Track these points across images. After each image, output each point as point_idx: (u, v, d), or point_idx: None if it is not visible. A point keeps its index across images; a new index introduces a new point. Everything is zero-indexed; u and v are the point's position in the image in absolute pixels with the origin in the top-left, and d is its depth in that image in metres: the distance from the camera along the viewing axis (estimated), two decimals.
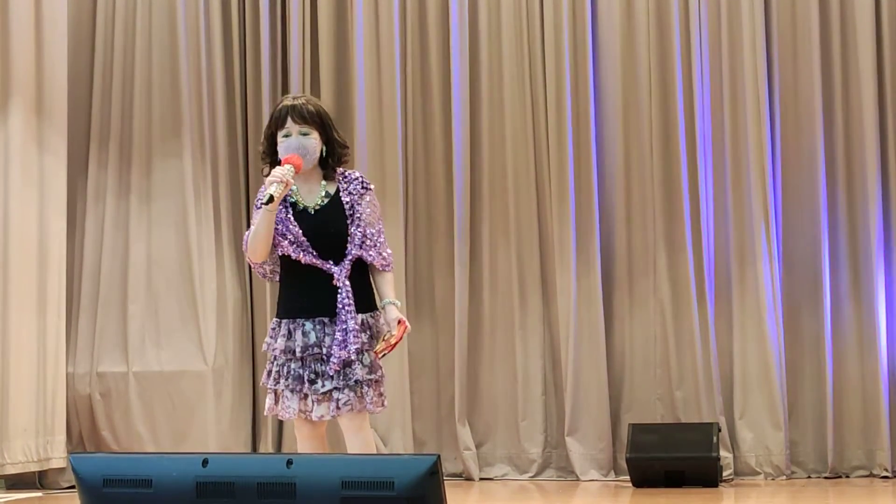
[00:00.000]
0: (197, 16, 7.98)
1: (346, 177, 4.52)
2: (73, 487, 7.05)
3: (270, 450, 7.76)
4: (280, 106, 4.49)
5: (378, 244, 4.50)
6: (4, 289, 7.15)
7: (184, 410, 7.74)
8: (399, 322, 4.42)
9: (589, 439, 7.62)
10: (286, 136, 4.43)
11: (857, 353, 7.49)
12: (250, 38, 8.06)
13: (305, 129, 4.43)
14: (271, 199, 4.27)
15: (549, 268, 7.79)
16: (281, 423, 7.88)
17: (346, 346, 4.34)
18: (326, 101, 7.91)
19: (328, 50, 8.02)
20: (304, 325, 4.39)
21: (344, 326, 4.35)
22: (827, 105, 7.59)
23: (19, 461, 7.21)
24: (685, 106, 7.67)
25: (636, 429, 7.36)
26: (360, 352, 4.38)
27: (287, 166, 4.33)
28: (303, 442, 4.50)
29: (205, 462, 3.10)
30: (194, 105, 7.94)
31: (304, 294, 4.41)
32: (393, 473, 3.01)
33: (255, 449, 7.92)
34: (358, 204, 4.48)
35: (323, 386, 4.34)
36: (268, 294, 7.87)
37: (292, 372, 4.39)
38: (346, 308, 4.37)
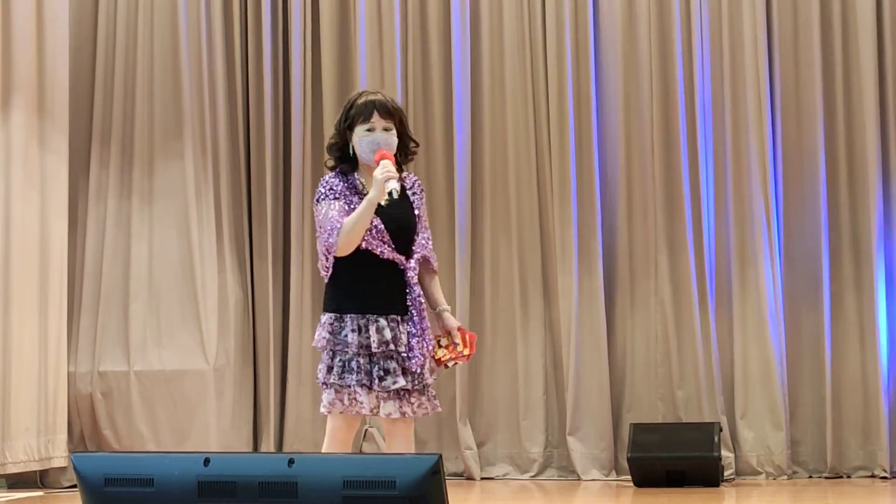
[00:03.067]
0: (198, 15, 7.98)
1: (406, 177, 4.53)
2: (74, 487, 7.05)
3: (272, 449, 7.76)
4: (363, 100, 4.44)
5: (432, 247, 4.56)
6: (6, 288, 7.15)
7: (185, 409, 7.74)
8: (460, 329, 4.48)
9: (590, 439, 7.62)
10: (370, 130, 4.39)
11: (857, 353, 7.50)
12: (252, 38, 8.06)
13: (388, 124, 4.40)
14: (397, 193, 4.27)
15: (551, 267, 7.79)
16: (282, 422, 7.88)
17: (426, 346, 4.35)
18: (328, 102, 7.92)
19: (330, 50, 8.02)
20: (378, 321, 4.32)
21: (422, 325, 4.37)
22: (828, 104, 7.59)
23: (21, 460, 7.21)
24: (686, 105, 7.67)
25: (637, 428, 7.36)
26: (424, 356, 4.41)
27: (389, 162, 4.32)
28: (334, 444, 4.38)
29: (206, 461, 3.10)
30: (196, 105, 7.94)
31: (377, 290, 4.34)
32: (395, 473, 3.01)
33: (256, 448, 7.92)
34: (421, 205, 4.53)
35: (395, 383, 4.29)
36: (269, 294, 7.88)
37: (362, 367, 4.30)
38: (422, 304, 4.40)
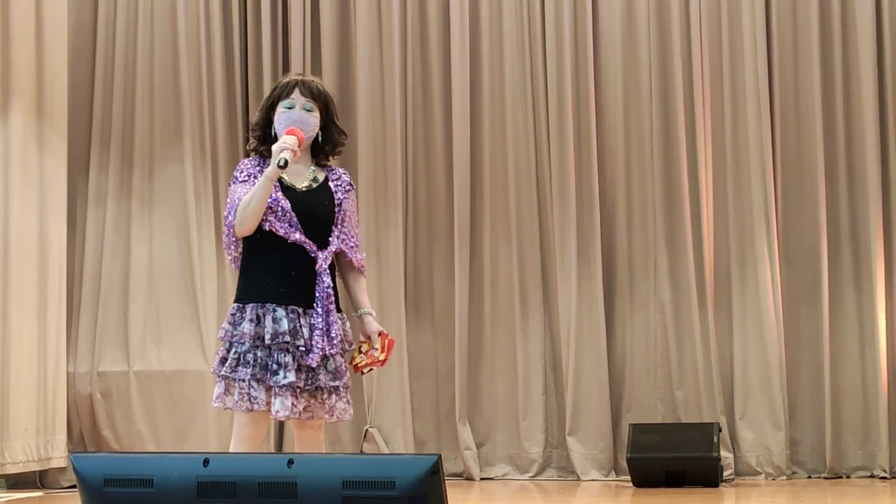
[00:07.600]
0: (197, 18, 7.98)
1: (334, 171, 4.33)
2: (73, 487, 7.06)
3: (271, 449, 7.76)
4: (288, 79, 4.30)
5: (357, 246, 4.29)
6: (5, 289, 7.15)
7: (185, 410, 7.74)
8: (381, 334, 4.21)
9: (590, 439, 7.63)
10: (289, 107, 4.22)
11: (856, 353, 7.51)
12: (251, 40, 8.07)
13: (310, 104, 4.23)
14: (286, 163, 4.03)
15: (550, 269, 7.79)
16: (282, 422, 7.88)
17: (330, 339, 4.10)
18: None
19: (329, 53, 8.02)
20: (275, 311, 4.10)
21: (328, 319, 4.12)
22: (827, 105, 7.60)
23: (20, 460, 7.21)
24: (686, 107, 7.68)
25: (637, 429, 7.36)
26: (324, 356, 4.13)
27: (292, 137, 4.11)
28: (240, 442, 4.15)
29: (206, 461, 3.10)
30: (195, 107, 7.94)
31: (279, 279, 4.13)
32: (394, 473, 3.01)
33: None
34: (345, 199, 4.28)
35: (285, 378, 4.05)
36: None
37: (259, 360, 4.09)
38: (330, 297, 4.14)
